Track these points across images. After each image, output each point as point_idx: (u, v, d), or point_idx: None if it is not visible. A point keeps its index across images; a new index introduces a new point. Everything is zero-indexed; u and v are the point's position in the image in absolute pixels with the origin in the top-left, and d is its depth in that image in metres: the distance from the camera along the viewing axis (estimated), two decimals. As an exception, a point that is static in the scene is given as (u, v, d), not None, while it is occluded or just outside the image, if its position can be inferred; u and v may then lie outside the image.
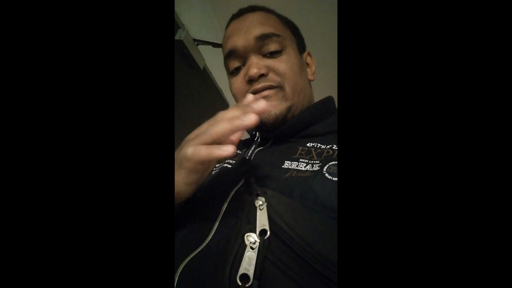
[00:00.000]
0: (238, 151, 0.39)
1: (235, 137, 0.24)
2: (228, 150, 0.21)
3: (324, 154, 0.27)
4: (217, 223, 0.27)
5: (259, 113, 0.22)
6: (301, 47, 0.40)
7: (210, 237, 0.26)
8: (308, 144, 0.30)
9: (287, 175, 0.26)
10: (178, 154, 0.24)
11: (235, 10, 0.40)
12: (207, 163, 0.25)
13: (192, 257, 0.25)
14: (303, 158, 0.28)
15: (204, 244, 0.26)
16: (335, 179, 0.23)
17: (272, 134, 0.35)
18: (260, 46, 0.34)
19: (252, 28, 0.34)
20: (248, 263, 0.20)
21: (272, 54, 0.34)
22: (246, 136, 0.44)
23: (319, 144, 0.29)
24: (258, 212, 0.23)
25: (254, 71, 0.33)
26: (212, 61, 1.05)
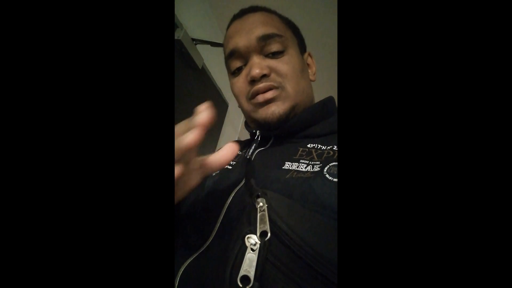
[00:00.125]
0: (239, 152, 0.39)
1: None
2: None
3: (325, 155, 0.27)
4: (217, 225, 0.27)
5: (202, 126, 0.20)
6: (302, 48, 0.40)
7: (210, 238, 0.26)
8: (308, 145, 0.30)
9: (287, 176, 0.26)
10: None
11: (233, 10, 0.40)
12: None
13: (193, 259, 0.25)
14: (304, 159, 0.28)
15: (205, 246, 0.26)
16: (336, 180, 0.23)
17: (272, 134, 0.35)
18: (262, 46, 0.34)
19: (254, 29, 0.34)
20: (249, 265, 0.20)
21: (274, 55, 0.34)
22: (247, 136, 0.44)
23: (320, 145, 0.29)
24: (259, 213, 0.23)
25: (256, 71, 0.33)
26: (211, 60, 1.05)
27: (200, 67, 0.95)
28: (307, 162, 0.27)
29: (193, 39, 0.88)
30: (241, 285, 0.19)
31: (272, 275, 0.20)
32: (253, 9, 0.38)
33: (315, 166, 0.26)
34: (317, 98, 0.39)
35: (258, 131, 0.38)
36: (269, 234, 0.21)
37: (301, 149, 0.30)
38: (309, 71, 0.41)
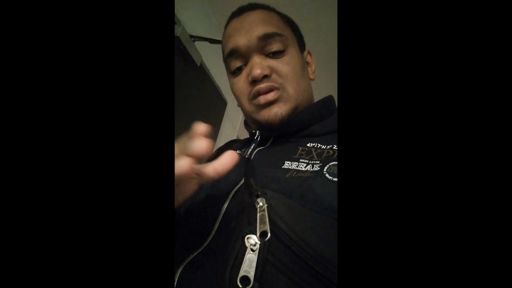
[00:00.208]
0: (238, 151, 0.39)
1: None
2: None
3: (325, 155, 0.27)
4: (217, 224, 0.27)
5: (197, 156, 0.18)
6: (301, 46, 0.40)
7: (210, 238, 0.26)
8: (308, 144, 0.30)
9: (287, 175, 0.26)
10: None
11: (232, 6, 0.40)
12: None
13: (192, 258, 0.25)
14: (303, 158, 0.28)
15: (204, 245, 0.26)
16: (336, 179, 0.23)
17: (273, 134, 0.35)
18: (263, 46, 0.34)
19: (254, 28, 0.34)
20: (249, 265, 0.20)
21: (275, 54, 0.34)
22: (246, 134, 0.44)
23: (319, 144, 0.29)
24: (258, 213, 0.23)
25: (257, 71, 0.32)
26: (209, 57, 1.05)
27: (198, 64, 0.94)
28: (307, 161, 0.27)
29: (191, 36, 0.88)
30: (240, 286, 0.19)
31: (272, 275, 0.20)
32: (252, 7, 0.37)
33: (314, 165, 0.26)
34: (317, 97, 0.39)
35: (258, 131, 0.38)
36: (269, 234, 0.21)
37: (300, 148, 0.30)
38: (309, 69, 0.40)
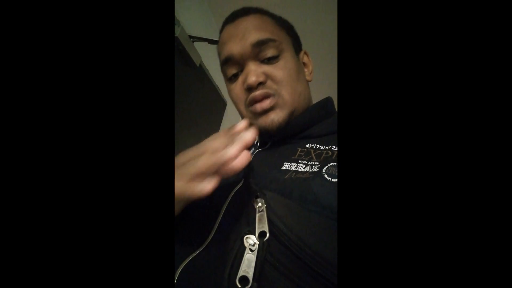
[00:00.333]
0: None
1: (223, 170, 0.21)
2: (204, 188, 0.20)
3: (323, 155, 0.27)
4: (216, 225, 0.27)
5: (246, 145, 0.21)
6: (297, 47, 0.40)
7: (209, 238, 0.26)
8: (307, 145, 0.30)
9: (286, 176, 0.26)
10: None
11: (231, 7, 0.39)
12: (182, 199, 0.22)
13: (192, 258, 0.25)
14: (302, 159, 0.28)
15: (204, 245, 0.26)
16: (334, 180, 0.23)
17: (271, 140, 0.35)
18: (257, 52, 0.34)
19: (247, 34, 0.34)
20: (248, 265, 0.20)
21: (270, 60, 0.34)
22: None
23: (318, 145, 0.29)
24: (257, 213, 0.23)
25: (252, 79, 0.32)
26: (209, 58, 1.04)
27: (197, 65, 0.94)
28: (306, 162, 0.27)
29: (190, 37, 0.87)
30: (239, 286, 0.19)
31: (271, 276, 0.20)
32: (245, 12, 0.37)
33: (313, 166, 0.26)
34: (317, 98, 0.39)
35: (257, 137, 0.38)
36: (268, 235, 0.21)
37: (299, 149, 0.30)
38: (306, 70, 0.40)
